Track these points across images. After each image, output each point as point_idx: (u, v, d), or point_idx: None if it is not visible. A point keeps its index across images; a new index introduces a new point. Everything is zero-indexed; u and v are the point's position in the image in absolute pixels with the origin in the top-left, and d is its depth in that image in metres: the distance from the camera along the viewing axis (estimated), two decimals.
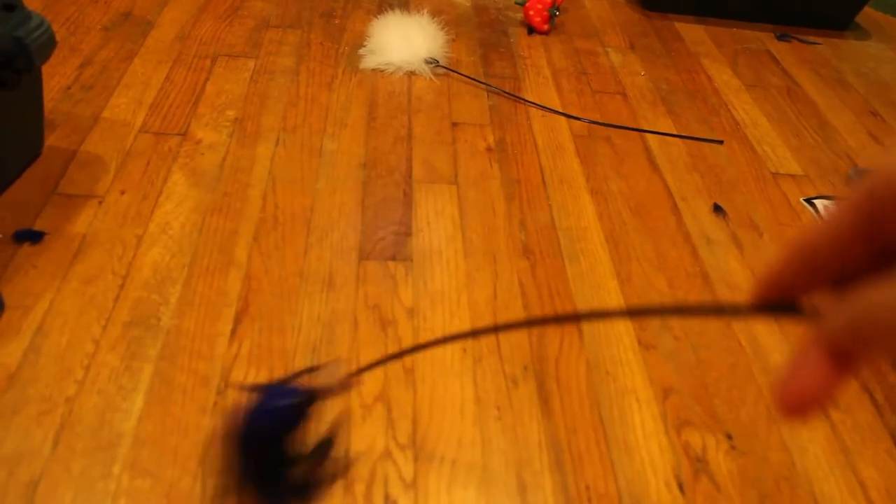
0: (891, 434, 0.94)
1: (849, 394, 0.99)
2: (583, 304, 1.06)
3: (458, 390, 0.92)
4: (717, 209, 1.28)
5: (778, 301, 0.27)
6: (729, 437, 0.91)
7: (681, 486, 0.85)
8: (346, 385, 0.57)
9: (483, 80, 1.54)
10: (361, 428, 0.86)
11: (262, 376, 0.90)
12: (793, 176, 1.40)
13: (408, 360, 0.95)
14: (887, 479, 0.89)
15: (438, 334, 0.98)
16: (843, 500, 0.86)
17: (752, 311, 0.28)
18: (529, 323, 0.30)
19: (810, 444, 0.92)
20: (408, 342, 0.97)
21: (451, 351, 0.97)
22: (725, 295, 1.11)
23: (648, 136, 1.45)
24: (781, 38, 1.92)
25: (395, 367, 0.94)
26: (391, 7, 1.73)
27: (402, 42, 1.54)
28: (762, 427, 0.93)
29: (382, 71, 1.53)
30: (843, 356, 0.24)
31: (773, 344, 1.04)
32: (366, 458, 0.83)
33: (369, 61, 1.54)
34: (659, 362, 0.99)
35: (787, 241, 0.26)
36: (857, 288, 0.23)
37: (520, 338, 1.00)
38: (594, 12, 1.89)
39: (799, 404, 0.25)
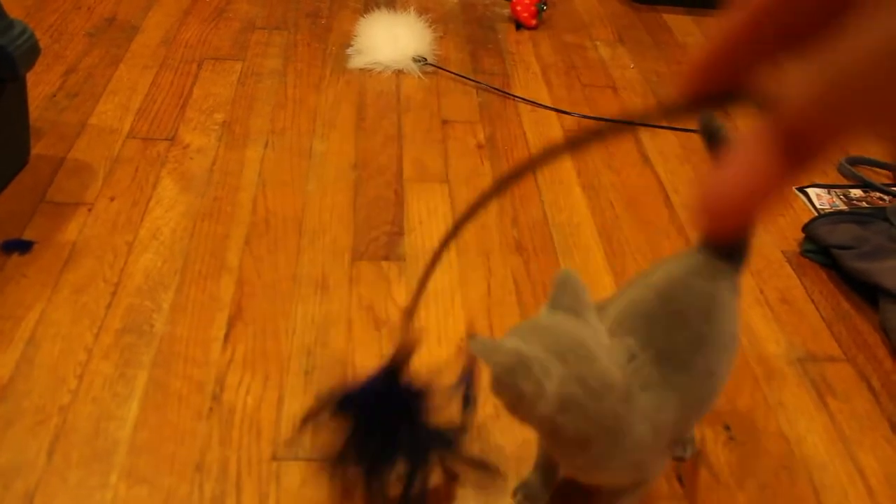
0: (888, 421, 0.94)
1: (846, 382, 0.99)
2: None
3: None
4: None
5: (718, 87, 0.21)
6: (727, 428, 0.91)
7: (680, 479, 0.85)
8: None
9: (472, 77, 1.53)
10: None
11: (256, 381, 0.90)
12: None
13: None
14: (886, 466, 0.89)
15: (433, 334, 0.98)
16: (842, 488, 0.86)
17: (690, 107, 0.22)
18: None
19: (808, 433, 0.92)
20: None
21: (446, 350, 0.96)
22: None
23: (639, 129, 1.45)
24: None
25: None
26: (377, 6, 1.73)
27: (390, 41, 1.54)
28: (760, 417, 0.93)
29: (370, 70, 1.52)
30: (798, 143, 0.18)
31: (769, 333, 1.04)
32: None
33: (357, 61, 1.54)
34: None
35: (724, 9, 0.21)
36: (824, 43, 0.17)
37: None
38: (582, 6, 1.89)
39: (732, 207, 0.19)
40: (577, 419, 0.60)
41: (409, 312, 0.62)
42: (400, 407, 0.73)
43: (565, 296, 0.64)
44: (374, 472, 0.74)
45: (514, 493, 0.80)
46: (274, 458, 0.82)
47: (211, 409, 0.86)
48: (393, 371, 0.73)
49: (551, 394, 0.58)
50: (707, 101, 0.22)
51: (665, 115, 0.23)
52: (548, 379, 0.57)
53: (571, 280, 0.65)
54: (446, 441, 0.76)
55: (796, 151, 0.18)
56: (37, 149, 1.22)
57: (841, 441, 0.91)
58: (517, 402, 0.59)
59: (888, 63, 0.16)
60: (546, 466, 0.79)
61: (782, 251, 1.19)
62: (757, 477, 0.86)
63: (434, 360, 0.95)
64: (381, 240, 1.12)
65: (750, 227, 0.17)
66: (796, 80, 0.18)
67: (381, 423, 0.73)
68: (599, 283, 1.09)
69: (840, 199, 1.32)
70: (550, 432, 0.62)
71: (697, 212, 0.19)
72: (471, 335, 0.59)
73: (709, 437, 0.90)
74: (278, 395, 0.89)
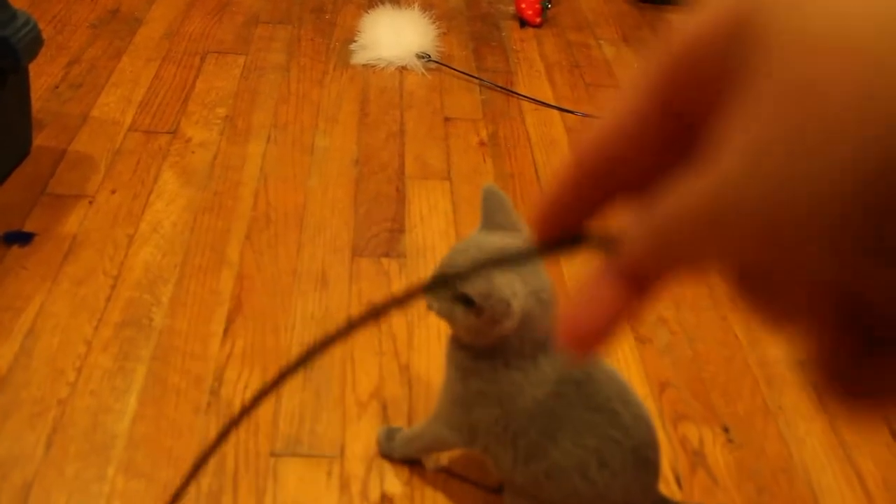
0: (888, 426, 0.94)
1: None
2: None
3: None
4: None
5: (562, 233, 0.23)
6: (726, 429, 0.91)
7: (678, 480, 0.85)
8: None
9: (475, 75, 1.53)
10: (357, 425, 0.86)
11: (255, 376, 0.90)
12: None
13: (402, 356, 0.94)
14: (885, 471, 0.88)
15: (432, 327, 0.97)
16: (840, 492, 0.86)
17: (536, 252, 0.23)
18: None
19: (808, 436, 0.91)
20: (402, 339, 0.97)
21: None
22: (721, 287, 1.11)
23: None
24: None
25: (390, 365, 0.93)
26: (382, 1, 1.72)
27: (394, 37, 1.53)
28: (759, 419, 0.92)
29: (374, 66, 1.52)
30: (642, 279, 0.21)
31: (769, 336, 1.04)
32: (362, 456, 0.83)
33: (360, 57, 1.53)
34: (655, 357, 0.99)
35: (566, 156, 0.23)
36: (654, 195, 0.19)
37: None
38: (586, 4, 1.88)
39: (587, 338, 0.21)
40: (526, 332, 0.64)
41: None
42: None
43: (497, 213, 0.69)
44: None
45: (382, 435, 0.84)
46: (272, 453, 0.82)
47: (209, 403, 0.86)
48: None
49: (516, 311, 0.61)
50: (554, 246, 0.23)
51: (518, 259, 0.24)
52: (514, 298, 0.61)
53: (498, 196, 0.69)
54: None
55: (635, 285, 0.21)
56: (38, 140, 1.21)
57: (840, 445, 0.91)
58: (487, 323, 0.63)
59: (699, 222, 0.18)
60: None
61: None
62: (755, 479, 0.86)
63: (434, 359, 0.94)
64: (381, 236, 1.12)
65: (604, 346, 0.21)
66: (632, 231, 0.20)
67: None
68: None
69: None
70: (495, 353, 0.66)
71: (561, 338, 0.22)
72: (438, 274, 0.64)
73: (708, 438, 0.89)
74: (276, 390, 0.89)
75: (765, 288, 0.18)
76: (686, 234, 0.18)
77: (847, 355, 0.19)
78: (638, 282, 0.21)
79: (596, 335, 0.21)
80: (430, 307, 0.67)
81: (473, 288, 0.61)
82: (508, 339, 0.65)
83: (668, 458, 0.86)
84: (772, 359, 1.01)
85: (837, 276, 0.16)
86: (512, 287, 0.62)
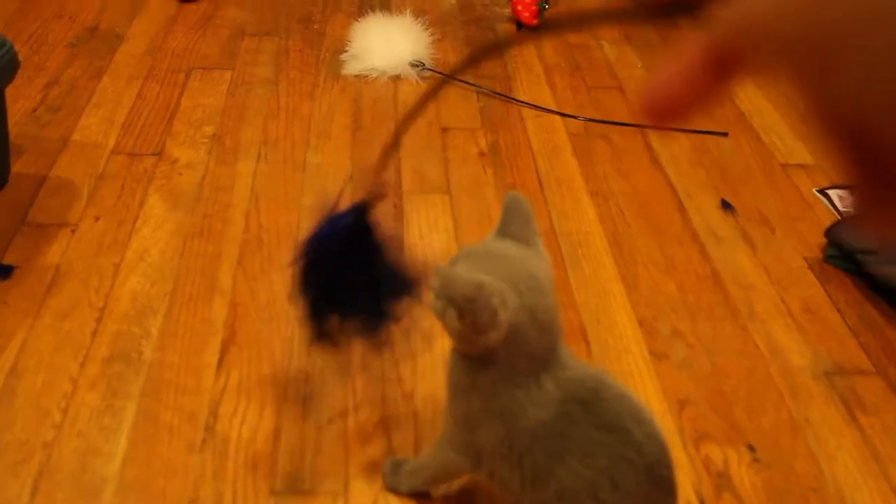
0: None
1: (877, 395, 0.94)
2: (587, 312, 1.02)
3: None
4: (725, 205, 1.23)
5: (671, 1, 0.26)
6: (751, 448, 0.87)
7: None
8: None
9: (472, 82, 1.49)
10: (361, 458, 0.82)
11: (252, 409, 0.86)
12: (803, 166, 1.35)
13: (407, 384, 0.90)
14: None
15: (437, 353, 0.93)
16: None
17: (647, 12, 0.27)
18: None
19: (838, 451, 0.87)
20: (407, 363, 0.93)
21: None
22: (738, 295, 1.06)
23: (649, 131, 1.41)
24: None
25: (393, 393, 0.89)
26: (372, 8, 1.69)
27: (386, 45, 1.50)
28: (786, 435, 0.88)
29: (366, 77, 1.49)
30: (724, 63, 0.23)
31: (792, 345, 1.00)
32: (367, 491, 0.79)
33: (352, 67, 1.50)
34: (672, 372, 0.95)
35: None
36: None
37: None
38: (586, 4, 1.84)
39: (665, 106, 0.24)
40: (517, 348, 0.62)
41: (379, 165, 0.64)
42: (361, 244, 0.70)
43: (514, 222, 0.67)
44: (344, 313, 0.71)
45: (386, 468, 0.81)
46: (272, 492, 0.79)
47: (204, 440, 0.83)
48: (359, 211, 0.69)
49: (503, 322, 0.60)
50: (662, 9, 0.26)
51: (624, 16, 0.27)
52: (503, 309, 0.60)
53: (520, 205, 0.67)
54: (405, 286, 0.72)
55: (718, 69, 0.23)
56: (17, 167, 1.18)
57: (874, 459, 0.87)
58: (470, 330, 0.61)
59: (761, 28, 0.21)
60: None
61: (804, 258, 1.14)
62: (784, 500, 0.82)
63: (440, 386, 0.90)
64: None
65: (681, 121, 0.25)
66: (724, 13, 0.22)
67: (341, 258, 0.70)
68: (611, 293, 1.05)
69: None
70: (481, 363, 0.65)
71: (639, 107, 0.24)
72: (436, 267, 0.63)
73: (732, 458, 0.86)
74: (275, 424, 0.85)
75: (809, 106, 0.21)
76: (755, 32, 0.21)
77: (863, 190, 0.22)
78: (718, 65, 0.23)
79: (672, 106, 0.24)
80: (432, 306, 0.66)
81: (459, 290, 0.60)
82: (497, 353, 0.63)
83: (692, 481, 0.83)
84: (795, 368, 0.97)
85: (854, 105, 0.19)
86: (503, 296, 0.60)
